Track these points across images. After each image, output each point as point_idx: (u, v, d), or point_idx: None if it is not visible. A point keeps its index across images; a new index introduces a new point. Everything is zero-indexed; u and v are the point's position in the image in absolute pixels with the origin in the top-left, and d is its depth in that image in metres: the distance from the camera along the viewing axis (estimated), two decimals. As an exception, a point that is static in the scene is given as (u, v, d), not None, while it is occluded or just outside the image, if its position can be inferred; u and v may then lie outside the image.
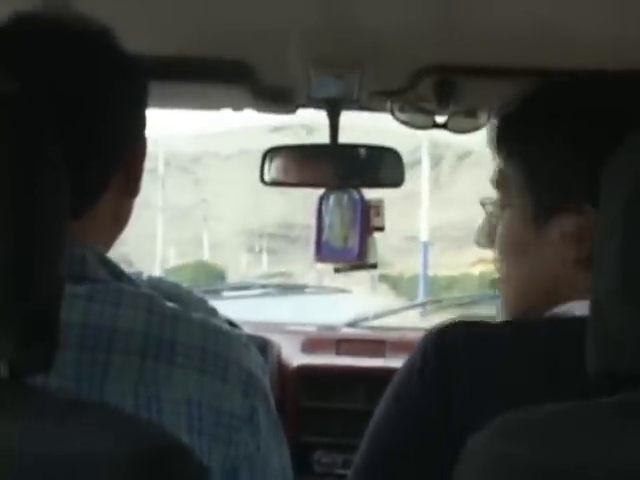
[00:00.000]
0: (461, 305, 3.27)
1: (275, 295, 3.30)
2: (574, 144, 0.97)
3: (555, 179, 0.98)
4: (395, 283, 21.72)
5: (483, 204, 1.10)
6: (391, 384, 0.96)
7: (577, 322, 0.92)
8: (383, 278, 21.78)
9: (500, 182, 1.05)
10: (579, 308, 0.94)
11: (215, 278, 21.21)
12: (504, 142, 1.04)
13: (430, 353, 0.92)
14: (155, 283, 0.97)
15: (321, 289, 3.67)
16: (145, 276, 0.99)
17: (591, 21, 1.19)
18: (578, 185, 0.96)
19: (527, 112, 1.03)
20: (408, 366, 0.95)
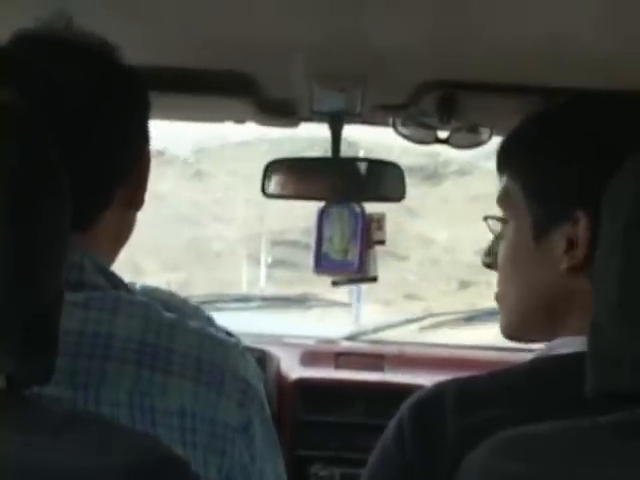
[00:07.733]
0: (460, 320, 3.26)
1: (275, 308, 3.28)
2: (558, 157, 0.99)
3: (545, 192, 0.99)
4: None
5: (486, 220, 1.11)
6: (374, 452, 0.99)
7: (563, 360, 0.94)
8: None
9: (502, 198, 1.05)
10: (568, 344, 0.95)
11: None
12: (504, 159, 1.06)
13: (406, 425, 0.95)
14: (149, 292, 0.97)
15: (322, 302, 3.64)
16: (138, 286, 0.99)
17: (593, 39, 1.20)
18: (567, 195, 0.97)
19: (521, 129, 1.05)
20: (387, 436, 0.97)
